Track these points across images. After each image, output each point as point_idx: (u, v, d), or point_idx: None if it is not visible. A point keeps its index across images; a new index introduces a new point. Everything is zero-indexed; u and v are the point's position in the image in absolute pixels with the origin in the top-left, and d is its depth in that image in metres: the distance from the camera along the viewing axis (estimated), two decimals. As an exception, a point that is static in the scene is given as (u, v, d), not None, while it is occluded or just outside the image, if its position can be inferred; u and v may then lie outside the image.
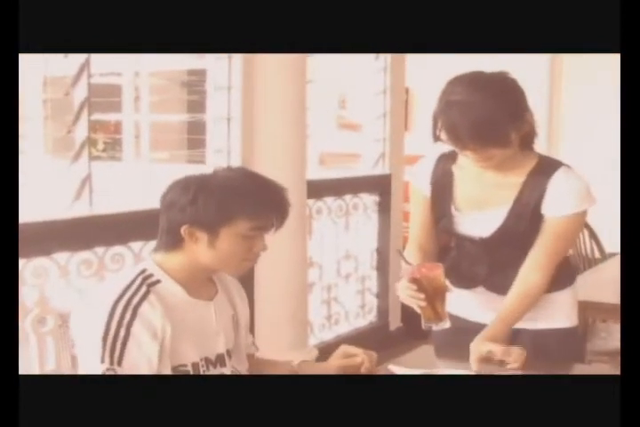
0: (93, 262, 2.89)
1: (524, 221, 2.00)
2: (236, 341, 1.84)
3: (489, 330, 1.96)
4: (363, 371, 1.85)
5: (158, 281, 1.69)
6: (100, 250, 2.92)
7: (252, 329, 2.04)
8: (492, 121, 1.86)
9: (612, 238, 3.54)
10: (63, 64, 3.03)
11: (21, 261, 2.61)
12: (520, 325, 2.03)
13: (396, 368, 1.94)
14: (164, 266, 1.72)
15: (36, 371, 2.69)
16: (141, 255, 3.00)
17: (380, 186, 4.54)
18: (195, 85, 5.17)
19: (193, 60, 5.25)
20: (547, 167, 2.01)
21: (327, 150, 6.04)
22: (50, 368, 2.72)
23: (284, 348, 3.54)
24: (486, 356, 1.90)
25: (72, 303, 2.68)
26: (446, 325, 1.97)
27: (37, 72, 3.55)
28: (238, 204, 1.67)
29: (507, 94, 1.91)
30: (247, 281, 3.27)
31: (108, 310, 1.61)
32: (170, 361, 1.66)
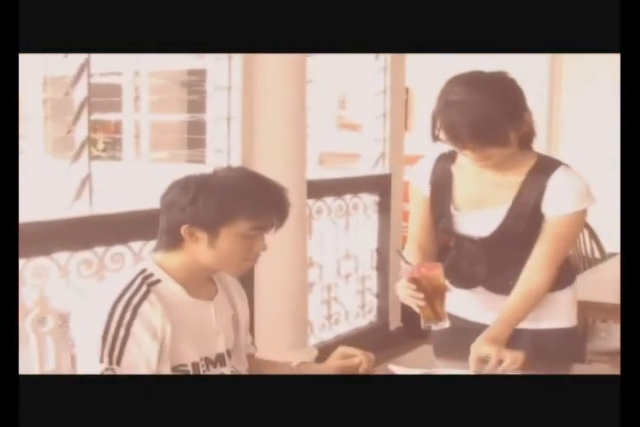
0: (93, 262, 2.90)
1: (523, 221, 2.00)
2: (235, 341, 1.84)
3: (491, 330, 1.96)
4: (360, 371, 1.85)
5: (158, 281, 1.69)
6: (99, 250, 2.92)
7: (251, 329, 2.05)
8: (491, 120, 1.86)
9: (612, 238, 3.54)
10: (63, 64, 3.03)
11: (21, 261, 2.61)
12: (520, 325, 2.02)
13: (396, 368, 1.94)
14: (164, 266, 1.72)
15: (36, 371, 2.69)
16: (141, 255, 3.00)
17: (380, 186, 4.54)
18: (195, 85, 5.17)
19: (193, 60, 5.25)
20: (546, 166, 2.01)
21: (327, 150, 6.05)
22: (50, 368, 2.72)
23: (283, 348, 3.54)
24: (485, 358, 1.90)
25: (72, 303, 2.68)
26: (445, 324, 1.97)
27: (37, 72, 3.56)
28: (238, 203, 1.67)
29: (505, 94, 1.91)
30: (247, 281, 3.27)
31: (108, 310, 1.61)
32: (170, 361, 1.66)
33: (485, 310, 2.09)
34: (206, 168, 1.80)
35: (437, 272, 1.95)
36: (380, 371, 1.93)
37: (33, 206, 2.82)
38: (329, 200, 4.23)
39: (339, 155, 5.97)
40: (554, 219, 1.99)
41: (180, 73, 6.87)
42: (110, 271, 2.93)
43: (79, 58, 2.90)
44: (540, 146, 2.09)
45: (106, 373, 1.58)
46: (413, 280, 1.93)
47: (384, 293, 4.56)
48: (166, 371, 1.65)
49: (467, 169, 2.05)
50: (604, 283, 3.19)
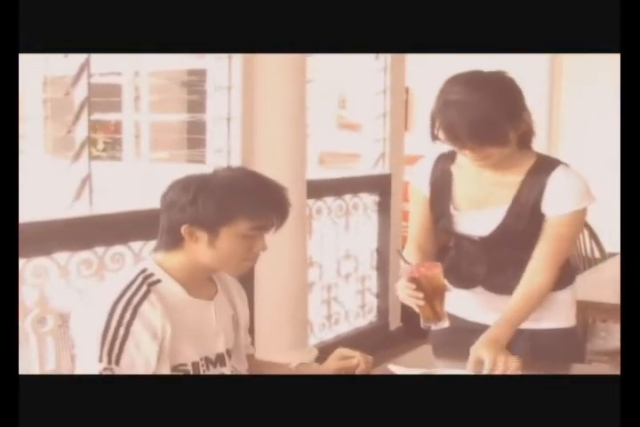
0: (93, 262, 2.90)
1: (522, 220, 2.00)
2: (235, 341, 1.84)
3: (492, 332, 1.95)
4: (358, 373, 1.85)
5: (159, 281, 1.69)
6: (100, 250, 2.92)
7: (251, 329, 2.05)
8: (490, 120, 1.86)
9: (611, 238, 3.54)
10: (63, 64, 3.03)
11: (21, 261, 2.61)
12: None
13: (396, 368, 1.94)
14: (165, 265, 1.72)
15: (36, 371, 2.69)
16: (141, 255, 3.00)
17: (380, 186, 4.54)
18: (195, 85, 5.17)
19: (193, 60, 5.25)
20: (545, 166, 2.01)
21: (327, 150, 6.05)
22: (50, 368, 2.72)
23: (283, 347, 3.55)
24: (482, 361, 1.89)
25: (72, 303, 2.68)
26: (445, 324, 1.97)
27: (37, 72, 3.56)
28: (238, 203, 1.67)
29: (504, 93, 1.91)
30: (247, 281, 3.27)
31: (108, 310, 1.61)
32: (170, 361, 1.66)
33: (485, 310, 2.09)
34: (206, 168, 1.80)
35: (437, 272, 1.95)
36: (379, 371, 1.93)
37: (33, 206, 2.82)
38: (329, 200, 4.23)
39: (339, 155, 5.97)
40: (554, 218, 1.99)
41: (180, 73, 6.87)
42: (110, 271, 2.93)
43: (79, 58, 2.90)
44: (540, 146, 2.09)
45: (104, 372, 1.58)
46: (413, 280, 1.93)
47: (384, 293, 4.56)
48: (165, 371, 1.65)
49: (466, 169, 2.05)
50: (604, 283, 3.19)
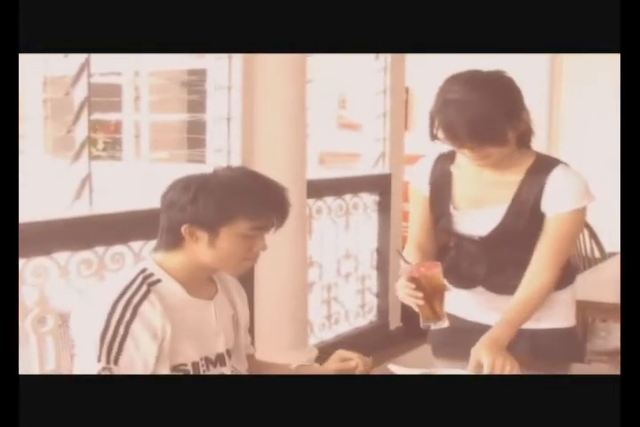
0: (93, 262, 2.90)
1: (522, 219, 2.00)
2: (235, 340, 1.84)
3: (493, 333, 1.94)
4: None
5: (159, 280, 1.70)
6: (100, 249, 2.92)
7: (251, 329, 2.05)
8: (489, 119, 1.86)
9: (611, 238, 3.55)
10: (63, 64, 3.03)
11: (21, 261, 2.61)
12: (519, 325, 2.02)
13: (396, 368, 1.94)
14: (165, 265, 1.72)
15: (36, 371, 2.69)
16: (141, 255, 3.00)
17: (380, 186, 4.54)
18: (195, 85, 5.17)
19: (193, 60, 5.24)
20: (544, 165, 2.01)
21: (327, 150, 6.04)
22: (50, 368, 2.72)
23: (284, 347, 3.55)
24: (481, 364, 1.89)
25: (72, 303, 2.68)
26: (445, 324, 1.97)
27: (37, 72, 3.55)
28: (238, 203, 1.67)
29: (503, 93, 1.91)
30: (247, 281, 3.27)
31: (108, 309, 1.61)
32: (170, 361, 1.66)
33: (485, 309, 2.09)
34: (206, 168, 1.80)
35: (436, 271, 1.95)
36: (379, 371, 1.93)
37: (33, 206, 2.82)
38: (329, 200, 4.23)
39: (339, 154, 5.98)
40: (554, 217, 1.99)
41: (180, 73, 6.87)
42: (110, 271, 2.93)
43: (79, 58, 2.90)
44: (540, 146, 2.09)
45: (103, 372, 1.58)
46: (412, 279, 1.93)
47: (384, 292, 4.56)
48: (164, 371, 1.65)
49: (466, 169, 2.05)
50: (604, 282, 3.19)
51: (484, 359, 1.86)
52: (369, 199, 4.51)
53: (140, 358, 1.61)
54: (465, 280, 2.11)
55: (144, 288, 1.66)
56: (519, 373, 1.85)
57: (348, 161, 5.58)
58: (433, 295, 1.94)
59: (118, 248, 2.98)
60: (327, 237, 4.25)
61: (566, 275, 2.10)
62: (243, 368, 1.85)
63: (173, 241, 1.71)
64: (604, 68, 5.46)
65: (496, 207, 2.02)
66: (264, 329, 3.45)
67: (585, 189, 2.00)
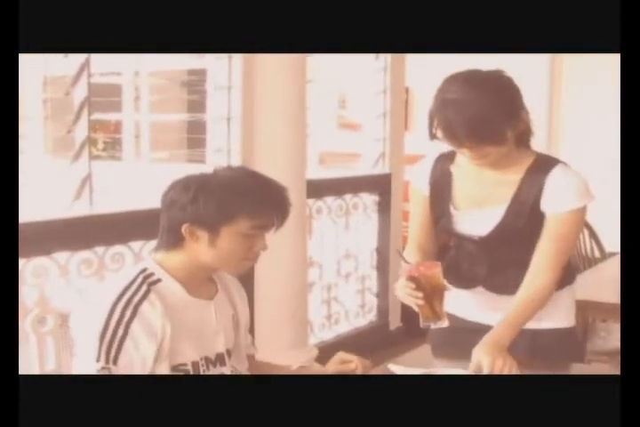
0: (93, 262, 2.90)
1: (522, 219, 2.00)
2: (235, 340, 1.85)
3: (494, 334, 1.94)
4: None
5: (159, 280, 1.70)
6: (100, 249, 2.92)
7: (251, 329, 2.05)
8: (488, 119, 1.87)
9: (611, 238, 3.54)
10: (63, 64, 3.03)
11: (21, 261, 2.61)
12: (520, 325, 2.02)
13: (396, 368, 1.94)
14: (165, 265, 1.72)
15: (36, 371, 2.69)
16: (141, 255, 3.00)
17: (380, 185, 4.54)
18: (195, 85, 5.18)
19: (193, 60, 5.25)
20: (544, 164, 2.01)
21: (327, 150, 6.05)
22: (50, 368, 2.72)
23: (284, 347, 3.55)
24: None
25: (72, 303, 2.68)
26: (444, 324, 1.96)
27: (37, 72, 3.56)
28: (239, 203, 1.67)
29: (502, 92, 1.91)
30: (247, 280, 3.27)
31: (108, 309, 1.61)
32: (170, 360, 1.66)
33: (485, 309, 2.09)
34: (206, 168, 1.80)
35: (436, 271, 1.95)
36: (379, 371, 1.93)
37: (33, 206, 2.82)
38: (329, 200, 4.23)
39: (339, 154, 5.98)
40: (554, 216, 1.99)
41: (180, 73, 6.87)
42: (110, 271, 2.93)
43: (79, 58, 2.90)
44: (540, 146, 2.09)
45: (101, 372, 1.58)
46: (412, 279, 1.93)
47: (384, 292, 4.56)
48: (164, 371, 1.65)
49: (466, 168, 2.05)
50: (604, 282, 3.19)
51: (484, 360, 1.86)
52: (369, 199, 4.51)
53: (140, 358, 1.61)
54: (465, 280, 2.11)
55: (144, 288, 1.66)
56: (518, 372, 1.85)
57: (348, 161, 5.58)
58: (432, 295, 1.94)
59: (118, 248, 2.98)
60: (327, 237, 4.25)
61: (566, 275, 2.10)
62: (243, 368, 1.85)
63: (174, 241, 1.71)
64: (604, 68, 5.46)
65: (496, 207, 2.02)
66: (264, 329, 3.45)
67: (584, 188, 2.00)
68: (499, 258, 2.07)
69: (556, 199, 1.98)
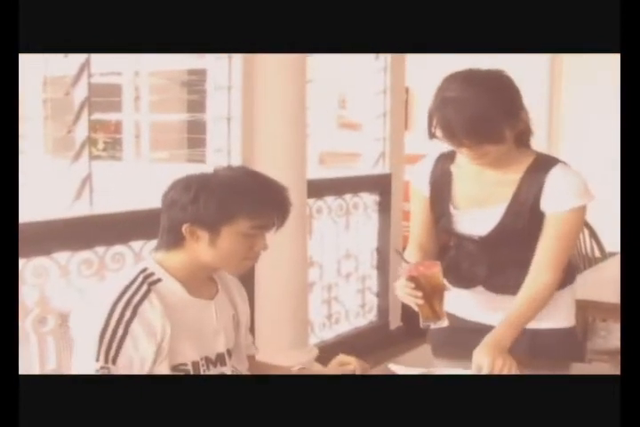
0: (94, 262, 2.90)
1: (522, 218, 2.00)
2: (236, 340, 1.85)
3: (495, 334, 1.94)
4: None
5: (159, 280, 1.70)
6: (100, 249, 2.92)
7: (252, 328, 2.05)
8: (487, 118, 1.87)
9: (612, 238, 3.54)
10: (63, 64, 3.03)
11: (21, 261, 2.61)
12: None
13: (396, 367, 1.94)
14: (165, 265, 1.72)
15: (36, 371, 2.69)
16: (142, 255, 3.00)
17: (381, 185, 4.54)
18: (195, 85, 5.17)
19: (193, 60, 5.25)
20: (544, 164, 2.01)
21: (327, 150, 6.05)
22: (50, 368, 2.72)
23: (284, 347, 3.55)
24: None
25: (72, 303, 2.68)
26: (444, 323, 1.96)
27: (37, 72, 3.56)
28: (239, 202, 1.67)
29: (501, 92, 1.91)
30: (248, 280, 3.27)
31: (108, 309, 1.61)
32: (170, 360, 1.66)
33: (485, 309, 2.09)
34: (207, 168, 1.80)
35: (436, 271, 1.95)
36: (379, 371, 1.93)
37: (33, 206, 2.82)
38: (329, 199, 4.23)
39: (339, 154, 5.98)
40: (553, 216, 1.98)
41: (180, 73, 6.87)
42: (111, 271, 2.93)
43: (79, 58, 2.90)
44: (540, 146, 2.09)
45: (101, 371, 1.58)
46: (412, 278, 1.93)
47: (384, 292, 4.56)
48: (163, 371, 1.65)
49: (466, 168, 2.05)
50: (605, 282, 3.19)
51: (484, 360, 1.86)
52: (369, 199, 4.51)
53: (139, 358, 1.61)
54: (465, 280, 2.11)
55: (144, 288, 1.66)
56: (518, 373, 1.85)
57: (348, 161, 5.58)
58: (432, 295, 1.94)
59: (118, 248, 2.98)
60: (327, 237, 4.25)
61: (566, 274, 2.10)
62: (243, 368, 1.85)
63: (174, 240, 1.71)
64: (604, 68, 5.46)
65: (496, 206, 2.02)
66: (264, 329, 3.45)
67: (584, 187, 2.00)
68: (499, 258, 2.07)
69: (555, 198, 1.98)
